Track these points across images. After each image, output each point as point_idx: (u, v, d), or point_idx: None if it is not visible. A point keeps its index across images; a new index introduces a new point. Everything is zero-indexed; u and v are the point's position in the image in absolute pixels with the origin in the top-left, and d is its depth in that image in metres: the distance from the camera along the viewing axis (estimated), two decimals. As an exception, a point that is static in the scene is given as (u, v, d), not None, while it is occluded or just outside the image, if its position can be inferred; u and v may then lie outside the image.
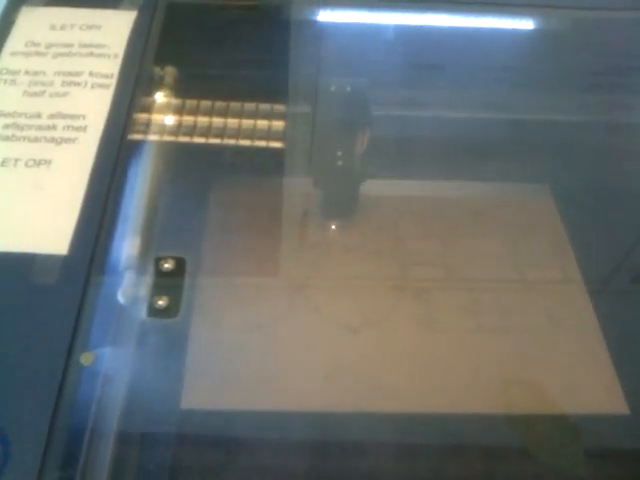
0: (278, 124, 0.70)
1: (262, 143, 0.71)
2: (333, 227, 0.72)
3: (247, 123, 0.70)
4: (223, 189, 0.76)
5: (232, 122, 0.71)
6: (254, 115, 0.71)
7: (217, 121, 0.71)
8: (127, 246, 0.49)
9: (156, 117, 0.59)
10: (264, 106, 0.73)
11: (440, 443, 0.55)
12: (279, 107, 0.72)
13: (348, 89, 0.74)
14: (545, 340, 0.63)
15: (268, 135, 0.70)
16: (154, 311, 0.48)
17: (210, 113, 0.72)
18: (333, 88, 0.75)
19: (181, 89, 0.65)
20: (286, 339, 0.62)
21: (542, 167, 0.76)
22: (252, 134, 0.72)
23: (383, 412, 0.54)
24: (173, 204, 0.64)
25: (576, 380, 0.61)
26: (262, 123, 0.72)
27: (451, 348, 0.62)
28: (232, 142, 0.71)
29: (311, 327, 0.63)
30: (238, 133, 0.70)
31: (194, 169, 0.70)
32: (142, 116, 0.58)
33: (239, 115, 0.71)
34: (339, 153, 0.70)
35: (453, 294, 0.67)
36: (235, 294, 0.67)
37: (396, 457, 0.54)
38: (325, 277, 0.67)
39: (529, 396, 0.57)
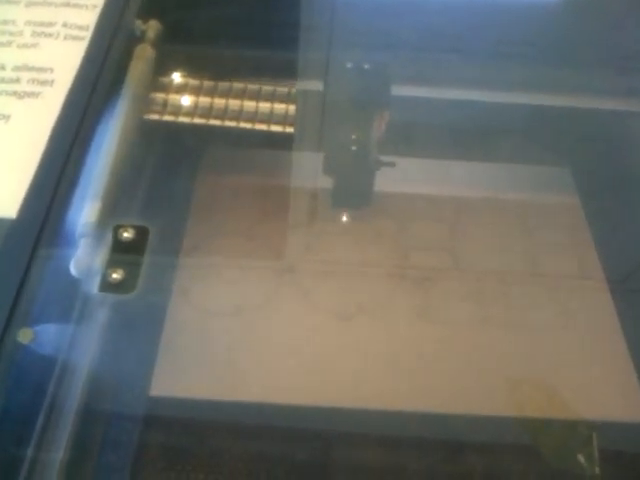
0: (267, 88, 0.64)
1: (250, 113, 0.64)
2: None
3: (237, 86, 0.64)
4: (211, 167, 0.70)
5: (223, 85, 0.65)
6: (249, 77, 0.65)
7: (207, 84, 0.65)
8: (85, 213, 0.43)
9: (133, 74, 0.53)
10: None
11: (436, 446, 0.49)
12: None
13: (366, 67, 0.68)
14: (558, 338, 0.59)
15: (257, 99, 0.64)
16: (107, 285, 0.42)
17: (200, 79, 0.66)
18: (349, 65, 0.68)
19: (165, 46, 0.58)
20: (269, 325, 0.56)
21: (564, 150, 0.72)
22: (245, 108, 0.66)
23: (368, 410, 0.48)
24: (149, 175, 0.58)
25: (591, 383, 0.55)
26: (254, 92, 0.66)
27: (452, 343, 0.58)
28: (224, 118, 0.64)
29: (298, 313, 0.60)
30: (228, 98, 0.64)
31: (179, 143, 0.64)
32: (117, 74, 0.52)
33: (233, 77, 0.65)
34: (354, 137, 0.64)
35: (458, 283, 0.63)
36: (218, 274, 0.61)
37: (381, 457, 0.49)
38: (318, 261, 0.64)
39: (539, 398, 0.53)
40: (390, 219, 0.67)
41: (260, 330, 0.57)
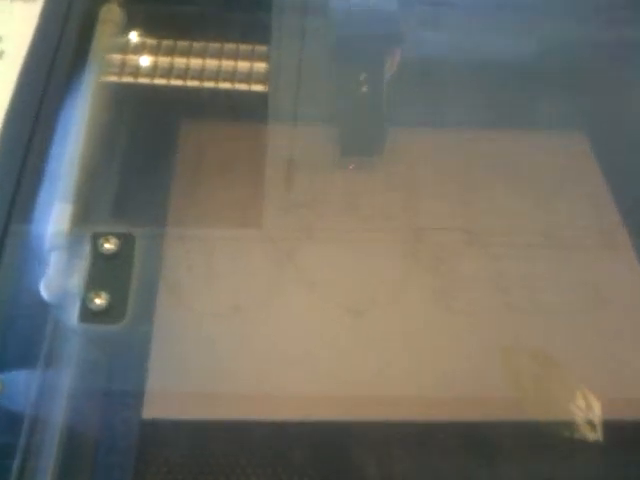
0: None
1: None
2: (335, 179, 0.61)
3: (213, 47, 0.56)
4: (193, 136, 0.62)
5: (197, 45, 0.57)
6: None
7: (181, 44, 0.57)
8: (54, 218, 0.35)
9: (100, 41, 0.45)
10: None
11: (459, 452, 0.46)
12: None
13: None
14: (588, 320, 0.54)
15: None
16: (89, 314, 0.34)
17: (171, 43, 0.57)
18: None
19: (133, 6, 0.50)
20: (270, 326, 0.51)
21: (578, 112, 0.67)
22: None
23: (386, 421, 0.46)
24: (124, 162, 0.50)
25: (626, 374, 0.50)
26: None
27: (473, 332, 0.53)
28: (199, 82, 0.57)
29: (303, 310, 0.54)
30: (203, 70, 0.56)
31: (154, 114, 0.56)
32: (80, 42, 0.43)
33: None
34: (363, 77, 0.59)
35: (475, 264, 0.57)
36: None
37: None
38: (322, 243, 0.57)
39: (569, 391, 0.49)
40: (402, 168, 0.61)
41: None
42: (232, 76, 0.62)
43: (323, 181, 0.62)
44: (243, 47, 0.63)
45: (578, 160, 0.65)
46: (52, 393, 0.34)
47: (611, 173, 0.64)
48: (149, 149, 0.60)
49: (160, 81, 0.59)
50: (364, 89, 0.59)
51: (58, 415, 0.34)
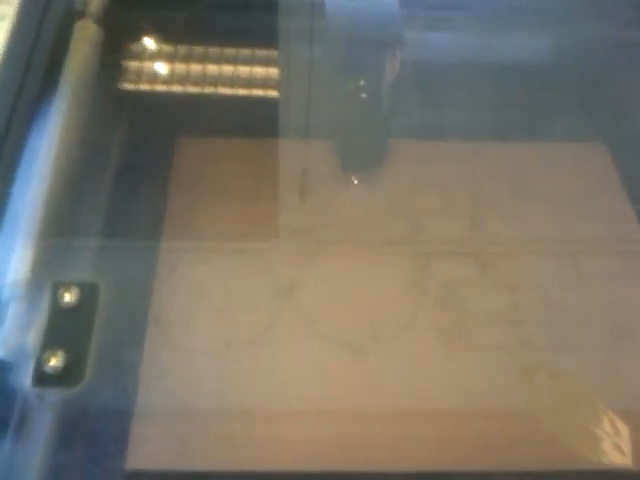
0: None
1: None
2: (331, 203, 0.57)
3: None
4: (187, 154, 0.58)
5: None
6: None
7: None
8: (14, 265, 0.31)
9: (74, 60, 0.40)
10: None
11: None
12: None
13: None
14: (615, 360, 0.50)
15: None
16: (43, 377, 0.30)
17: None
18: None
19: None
20: (263, 366, 0.48)
21: (598, 122, 0.62)
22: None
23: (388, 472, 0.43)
24: (100, 190, 0.46)
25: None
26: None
27: (484, 373, 0.48)
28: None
29: (299, 346, 0.50)
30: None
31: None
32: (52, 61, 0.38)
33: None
34: (362, 82, 0.55)
35: (487, 297, 0.53)
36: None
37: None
38: (321, 271, 0.53)
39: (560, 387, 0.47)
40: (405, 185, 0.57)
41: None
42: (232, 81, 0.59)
43: (323, 203, 0.58)
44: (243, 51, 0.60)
45: (598, 173, 0.60)
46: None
47: (633, 185, 0.60)
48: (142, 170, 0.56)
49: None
50: (363, 95, 0.54)
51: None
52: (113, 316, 0.33)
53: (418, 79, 0.61)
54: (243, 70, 0.57)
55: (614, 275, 0.54)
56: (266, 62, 0.61)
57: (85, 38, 0.41)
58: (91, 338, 0.31)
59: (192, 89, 0.59)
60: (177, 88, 0.58)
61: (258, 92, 0.61)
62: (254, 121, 0.59)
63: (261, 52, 0.62)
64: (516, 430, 0.46)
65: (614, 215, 0.58)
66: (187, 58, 0.60)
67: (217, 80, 0.60)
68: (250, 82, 0.60)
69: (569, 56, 0.66)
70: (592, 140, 0.61)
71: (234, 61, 0.60)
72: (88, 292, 0.32)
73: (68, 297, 0.32)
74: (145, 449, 0.41)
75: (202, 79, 0.59)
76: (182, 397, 0.46)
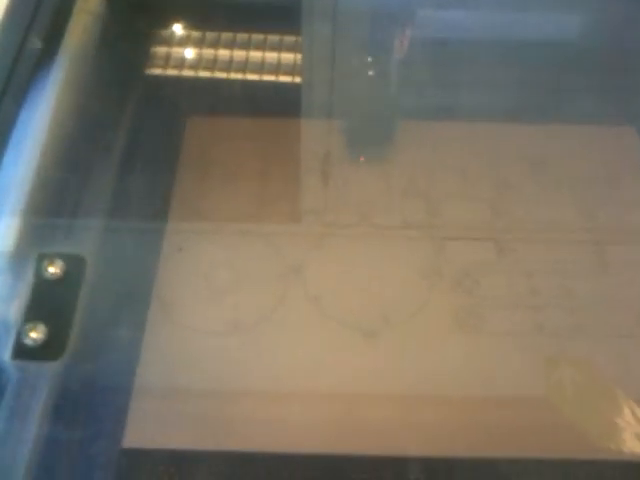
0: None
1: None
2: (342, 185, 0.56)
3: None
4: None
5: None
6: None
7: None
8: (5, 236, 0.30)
9: (74, 34, 0.39)
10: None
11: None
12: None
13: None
14: (637, 349, 0.48)
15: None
16: (22, 349, 0.29)
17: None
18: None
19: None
20: (269, 348, 0.47)
21: (626, 104, 0.60)
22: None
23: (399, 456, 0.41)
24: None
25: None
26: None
27: (499, 359, 0.47)
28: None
29: (309, 331, 0.48)
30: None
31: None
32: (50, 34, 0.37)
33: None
34: (369, 60, 0.55)
35: (505, 282, 0.51)
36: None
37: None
38: (331, 253, 0.52)
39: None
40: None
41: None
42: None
43: (335, 184, 0.56)
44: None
45: (626, 157, 0.58)
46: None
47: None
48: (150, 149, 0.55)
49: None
50: (370, 73, 0.52)
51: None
52: (105, 292, 0.32)
53: (440, 57, 0.59)
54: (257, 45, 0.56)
55: (637, 263, 0.52)
56: (279, 45, 0.60)
57: (87, 10, 0.40)
58: (75, 312, 0.30)
59: (204, 69, 0.58)
60: (189, 66, 0.58)
61: (270, 73, 0.59)
62: (266, 102, 0.58)
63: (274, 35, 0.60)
64: (532, 417, 0.44)
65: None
66: (200, 37, 0.59)
67: (230, 59, 0.59)
68: (262, 63, 0.59)
69: (597, 35, 0.64)
70: (620, 123, 0.59)
71: (247, 40, 0.59)
72: (74, 265, 0.31)
73: (53, 269, 0.31)
74: (142, 427, 0.40)
75: (213, 58, 0.58)
76: (182, 377, 0.45)
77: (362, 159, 0.57)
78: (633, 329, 0.49)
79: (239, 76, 0.59)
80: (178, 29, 0.57)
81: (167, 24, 0.58)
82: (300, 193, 0.55)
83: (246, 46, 0.59)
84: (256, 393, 0.45)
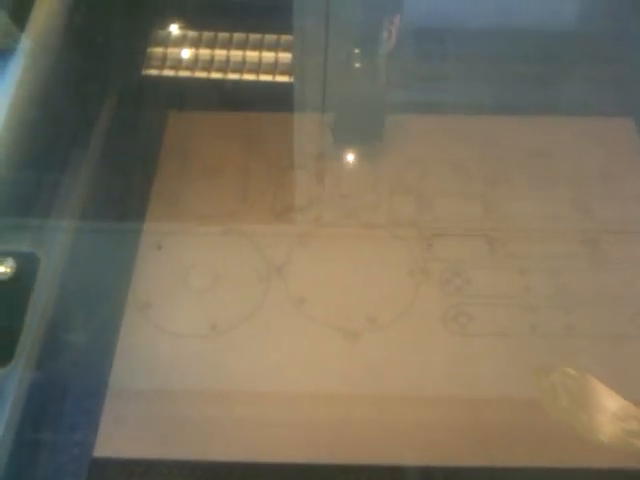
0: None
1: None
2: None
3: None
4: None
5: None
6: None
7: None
8: None
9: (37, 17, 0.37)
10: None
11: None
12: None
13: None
14: (633, 349, 0.46)
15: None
16: None
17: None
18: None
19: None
20: (248, 351, 0.45)
21: (624, 95, 0.60)
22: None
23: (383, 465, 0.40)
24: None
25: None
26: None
27: (489, 361, 0.46)
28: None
29: (290, 332, 0.47)
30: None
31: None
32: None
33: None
34: (357, 51, 0.54)
35: (496, 280, 0.49)
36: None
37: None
38: (315, 252, 0.51)
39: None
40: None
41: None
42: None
43: (318, 180, 0.54)
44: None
45: (624, 149, 0.57)
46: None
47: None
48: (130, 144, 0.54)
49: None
50: (358, 65, 0.50)
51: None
52: (69, 292, 0.30)
53: (431, 49, 0.58)
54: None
55: (635, 260, 0.51)
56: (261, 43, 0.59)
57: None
58: (25, 315, 0.28)
59: (186, 58, 0.57)
60: (170, 59, 0.56)
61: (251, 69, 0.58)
62: (247, 96, 0.57)
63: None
64: (523, 421, 0.43)
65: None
66: (184, 33, 0.58)
67: (212, 48, 0.58)
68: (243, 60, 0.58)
69: (594, 24, 0.63)
70: (618, 114, 0.59)
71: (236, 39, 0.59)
72: (26, 263, 0.29)
73: (2, 268, 0.29)
74: (114, 435, 0.38)
75: (197, 42, 0.57)
76: (158, 381, 0.43)
77: (350, 155, 0.56)
78: (628, 328, 0.48)
79: (220, 75, 0.59)
80: (169, 23, 0.56)
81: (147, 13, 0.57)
82: (283, 190, 0.54)
83: (227, 44, 0.58)
84: (236, 398, 0.44)
